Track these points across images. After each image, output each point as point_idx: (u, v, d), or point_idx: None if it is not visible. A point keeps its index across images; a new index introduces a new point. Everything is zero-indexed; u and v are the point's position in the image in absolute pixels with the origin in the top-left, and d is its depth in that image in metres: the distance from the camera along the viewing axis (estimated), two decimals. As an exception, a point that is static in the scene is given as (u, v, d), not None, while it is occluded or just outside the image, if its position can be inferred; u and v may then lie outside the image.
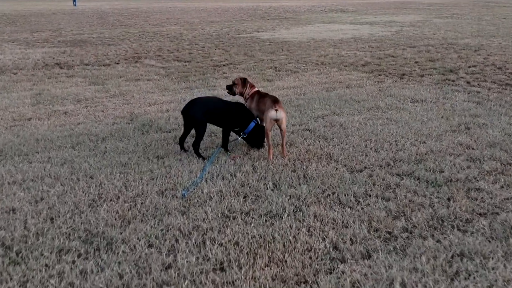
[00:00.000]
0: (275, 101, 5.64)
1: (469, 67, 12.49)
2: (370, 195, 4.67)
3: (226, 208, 4.42)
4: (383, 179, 5.05)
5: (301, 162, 5.60)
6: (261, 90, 6.53)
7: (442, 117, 7.54)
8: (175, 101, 8.95)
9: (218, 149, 6.04)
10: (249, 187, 4.88)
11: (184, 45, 18.21)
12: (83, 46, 18.32)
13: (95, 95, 9.67)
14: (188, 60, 14.62)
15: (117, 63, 14.28)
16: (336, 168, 5.38)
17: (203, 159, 5.80)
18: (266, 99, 5.81)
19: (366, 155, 5.81)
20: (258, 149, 6.07)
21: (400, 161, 5.61)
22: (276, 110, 5.43)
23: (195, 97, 7.18)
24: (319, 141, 6.37)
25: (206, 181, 5.08)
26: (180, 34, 21.96)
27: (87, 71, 12.75)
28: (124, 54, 16.02)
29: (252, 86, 6.38)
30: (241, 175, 5.18)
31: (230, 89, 6.48)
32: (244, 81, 6.37)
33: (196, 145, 5.84)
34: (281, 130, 5.67)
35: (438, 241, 3.87)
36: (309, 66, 13.22)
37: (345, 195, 4.64)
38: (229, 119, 5.97)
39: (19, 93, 10.00)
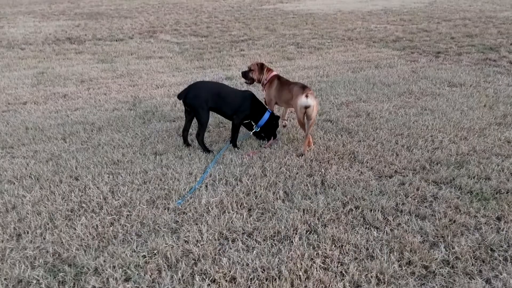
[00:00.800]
0: (304, 86, 4.96)
1: (511, 44, 11.26)
2: (401, 211, 3.84)
3: (226, 226, 3.66)
4: (418, 189, 4.19)
5: (319, 163, 4.77)
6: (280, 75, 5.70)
7: (484, 105, 6.55)
8: (185, 83, 8.15)
9: (227, 145, 5.26)
10: (256, 197, 4.10)
11: (203, 18, 17.31)
12: (98, 19, 17.61)
13: (100, 75, 8.95)
14: (205, 35, 13.76)
15: (131, 38, 13.54)
16: (361, 173, 4.54)
17: (209, 151, 5.05)
18: (292, 86, 5.12)
19: (397, 155, 4.93)
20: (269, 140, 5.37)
21: (437, 163, 4.72)
22: (307, 96, 4.78)
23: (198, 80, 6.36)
24: (341, 136, 5.51)
25: (206, 186, 4.31)
26: (200, 6, 21.02)
27: (98, 47, 12.05)
28: (140, 28, 15.25)
29: (270, 70, 5.63)
30: (248, 179, 4.40)
31: (246, 76, 5.71)
32: (261, 67, 5.61)
33: (199, 136, 5.09)
34: (309, 119, 4.92)
35: (487, 281, 3.04)
36: (334, 41, 12.20)
37: (371, 211, 3.82)
38: (237, 108, 5.20)
39: (22, 71, 9.36)
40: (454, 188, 4.22)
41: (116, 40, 13.19)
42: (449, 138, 5.35)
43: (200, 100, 5.00)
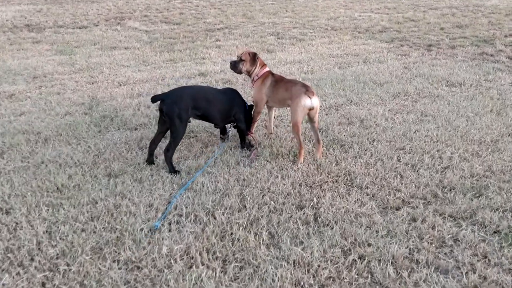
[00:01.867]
0: (305, 85, 4.36)
1: (505, 36, 10.58)
2: (417, 262, 3.03)
3: (193, 289, 2.76)
4: (433, 227, 3.38)
5: (310, 188, 3.92)
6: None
7: (491, 110, 5.78)
8: (151, 80, 7.16)
9: (202, 168, 4.37)
10: (233, 241, 3.23)
11: (175, 3, 16.21)
12: (63, 3, 16.33)
13: (56, 69, 7.88)
14: (178, 23, 12.72)
15: (96, 25, 12.42)
16: (361, 203, 3.71)
17: (176, 173, 4.15)
18: (291, 84, 4.45)
19: (401, 177, 4.11)
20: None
21: (450, 189, 3.92)
22: (310, 97, 4.26)
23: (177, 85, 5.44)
24: (333, 149, 4.66)
25: (169, 225, 3.41)
26: (173, -10, 19.77)
27: (58, 36, 10.91)
28: (106, 14, 14.09)
29: (264, 64, 4.84)
30: (223, 214, 3.52)
31: (235, 66, 4.83)
32: (254, 57, 4.76)
33: (168, 153, 4.19)
34: (312, 122, 4.46)
35: None
36: (317, 32, 11.31)
37: (379, 262, 2.99)
38: (230, 113, 4.62)
39: (-35, 65, 8.20)
40: (478, 226, 3.42)
41: (80, 28, 12.05)
42: (458, 154, 4.56)
43: (180, 109, 4.12)
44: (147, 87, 6.77)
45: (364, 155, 4.55)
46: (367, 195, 3.85)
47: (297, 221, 3.44)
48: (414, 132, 5.11)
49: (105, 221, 3.46)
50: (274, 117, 5.31)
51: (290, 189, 3.90)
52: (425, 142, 4.85)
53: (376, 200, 3.76)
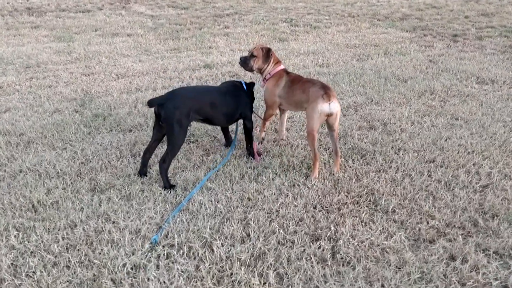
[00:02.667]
0: (325, 87, 3.67)
1: (537, 26, 9.77)
2: (460, 319, 2.40)
3: None
4: (476, 268, 2.78)
5: (326, 212, 3.31)
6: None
7: (530, 113, 5.09)
8: (152, 72, 6.56)
9: (212, 172, 3.83)
10: (233, 283, 2.65)
11: (184, -14, 15.43)
12: (67, -15, 15.64)
13: (52, 58, 7.30)
14: (185, 7, 12.05)
15: (100, 9, 11.81)
16: (388, 233, 3.10)
17: (171, 188, 3.59)
18: (308, 85, 3.80)
19: (434, 198, 3.50)
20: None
21: (493, 216, 3.32)
22: (330, 100, 3.60)
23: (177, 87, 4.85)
24: (353, 161, 4.04)
25: (158, 258, 2.84)
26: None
27: (59, 21, 10.32)
28: (112, -3, 13.43)
29: (278, 61, 4.22)
30: (222, 246, 2.94)
31: (245, 63, 4.22)
32: (267, 53, 4.14)
33: (165, 164, 3.61)
34: (331, 129, 3.80)
35: None
36: (333, 18, 10.59)
37: (413, 320, 2.37)
38: (230, 112, 4.00)
39: (-45, 52, 7.66)
40: (532, 269, 2.79)
41: (82, 12, 11.45)
42: (498, 169, 3.92)
43: (181, 114, 3.53)
44: (146, 80, 6.17)
45: (389, 169, 3.92)
46: (395, 222, 3.23)
47: (311, 258, 2.85)
48: (445, 140, 4.47)
49: (82, 252, 2.90)
50: (287, 120, 4.69)
51: (303, 213, 3.30)
52: (458, 153, 4.20)
53: (406, 230, 3.15)
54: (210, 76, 6.36)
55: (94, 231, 3.10)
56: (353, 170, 3.92)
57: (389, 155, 4.16)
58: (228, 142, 4.38)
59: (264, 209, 3.35)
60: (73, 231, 3.11)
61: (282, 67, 4.18)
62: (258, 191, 3.60)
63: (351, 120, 4.94)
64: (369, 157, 4.15)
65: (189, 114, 3.63)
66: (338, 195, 3.53)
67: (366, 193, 3.57)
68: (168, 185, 3.63)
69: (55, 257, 2.87)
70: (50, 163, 4.03)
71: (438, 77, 6.39)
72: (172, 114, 3.52)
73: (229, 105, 3.94)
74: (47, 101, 5.47)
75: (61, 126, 4.77)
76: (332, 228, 3.13)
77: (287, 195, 3.53)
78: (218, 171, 3.89)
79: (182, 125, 3.58)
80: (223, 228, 3.12)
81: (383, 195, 3.54)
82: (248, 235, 3.07)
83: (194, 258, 2.85)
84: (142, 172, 3.82)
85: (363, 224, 3.21)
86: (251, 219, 3.22)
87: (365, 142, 4.42)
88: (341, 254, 2.89)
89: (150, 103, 3.58)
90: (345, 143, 4.41)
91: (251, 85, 4.21)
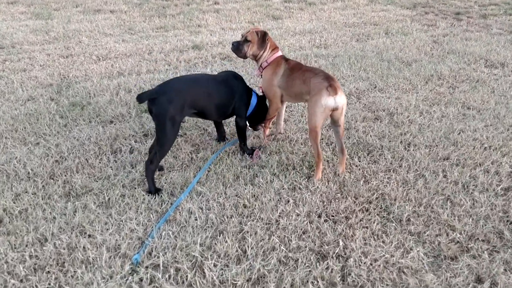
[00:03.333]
0: (328, 77, 3.22)
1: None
2: None
3: None
4: (509, 295, 2.39)
5: (333, 222, 2.92)
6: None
7: (547, 101, 4.70)
8: (136, 53, 6.04)
9: (202, 171, 3.40)
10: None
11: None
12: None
13: (28, 37, 6.73)
14: (173, -19, 11.35)
15: (82, -17, 11.03)
16: (404, 248, 2.72)
17: (156, 192, 3.17)
18: (310, 74, 3.35)
19: (452, 203, 3.12)
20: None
21: (521, 226, 2.91)
22: (335, 93, 3.16)
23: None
24: (359, 158, 3.63)
25: (141, 283, 2.43)
26: None
27: (37, -5, 9.62)
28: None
29: (275, 47, 3.73)
30: (214, 267, 2.53)
31: (238, 49, 3.71)
32: (263, 38, 3.65)
33: (152, 165, 3.19)
34: (336, 125, 3.37)
35: None
36: (329, -5, 10.03)
37: None
38: (230, 105, 3.55)
39: None
40: None
41: (63, -15, 10.71)
42: (521, 168, 3.52)
43: (174, 110, 3.10)
44: (130, 63, 5.67)
45: (399, 168, 3.52)
46: (411, 234, 2.85)
47: (318, 282, 2.45)
48: (459, 133, 4.07)
49: (52, 276, 2.47)
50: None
51: (306, 224, 2.90)
52: (474, 148, 3.81)
53: (424, 243, 2.77)
54: (200, 59, 5.86)
55: (67, 248, 2.68)
56: (360, 169, 3.51)
57: (398, 152, 3.75)
58: (221, 136, 3.94)
59: (262, 219, 2.94)
60: (43, 248, 2.68)
61: (280, 53, 3.72)
62: (254, 196, 3.18)
63: (354, 110, 4.51)
64: (377, 153, 3.74)
65: (183, 109, 3.19)
66: (345, 201, 3.13)
67: (376, 198, 3.18)
68: (154, 189, 3.20)
69: (21, 281, 2.45)
70: (21, 162, 3.57)
71: (444, 59, 5.96)
72: (165, 110, 3.07)
73: (223, 95, 3.48)
74: (21, 87, 4.96)
75: (35, 116, 4.29)
76: (341, 243, 2.73)
77: (288, 201, 3.12)
78: (209, 171, 3.46)
79: (175, 122, 3.14)
80: (216, 243, 2.71)
81: (395, 200, 3.15)
82: (245, 252, 2.67)
83: (183, 283, 2.45)
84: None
85: (375, 237, 2.82)
86: (247, 232, 2.81)
87: (371, 136, 4.01)
88: (352, 277, 2.50)
89: (140, 98, 3.10)
90: (349, 137, 3.99)
91: (263, 99, 3.77)
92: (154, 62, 5.71)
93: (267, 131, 3.95)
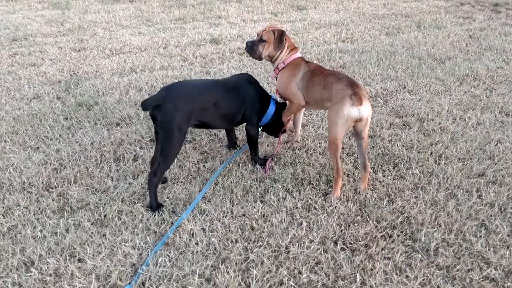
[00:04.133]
0: (353, 84, 2.84)
1: None
2: None
3: None
4: None
5: (351, 251, 2.58)
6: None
7: None
8: (151, 47, 5.77)
9: (208, 186, 3.11)
10: None
11: None
12: None
13: (42, 29, 6.54)
14: (196, -31, 11.01)
15: (104, -30, 10.81)
16: (431, 287, 2.35)
17: (158, 209, 2.92)
18: (331, 79, 2.99)
19: (487, 230, 2.75)
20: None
21: None
22: (360, 103, 2.78)
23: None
24: (383, 173, 3.27)
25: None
26: None
27: (57, -17, 9.42)
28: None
29: (294, 47, 3.36)
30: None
31: (253, 49, 3.36)
32: (280, 37, 3.28)
33: (155, 178, 2.91)
34: (359, 137, 3.00)
35: None
36: (358, -17, 9.52)
37: None
38: (241, 111, 3.22)
39: None
40: None
41: (84, -27, 10.51)
42: None
43: (182, 116, 2.81)
44: (144, 58, 5.39)
45: (428, 186, 3.15)
46: (439, 268, 2.49)
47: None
48: (496, 145, 3.65)
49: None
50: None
51: (320, 252, 2.57)
52: (513, 162, 3.39)
53: (454, 280, 2.41)
54: (217, 54, 5.54)
55: (54, 274, 2.43)
56: (383, 186, 3.15)
57: (428, 165, 3.37)
58: (232, 142, 3.62)
59: (270, 245, 2.62)
60: (28, 274, 2.43)
61: (298, 54, 3.36)
62: (264, 216, 2.86)
63: (380, 115, 4.13)
64: (404, 167, 3.36)
65: (191, 118, 2.88)
66: (366, 225, 2.78)
67: (401, 222, 2.82)
68: (155, 205, 2.93)
69: (-2, 314, 2.20)
70: (17, 169, 3.34)
71: (480, 57, 5.48)
72: (172, 117, 2.78)
73: (231, 105, 3.14)
74: (27, 84, 4.75)
75: (38, 117, 4.07)
76: (358, 278, 2.40)
77: (301, 224, 2.79)
78: (216, 184, 3.16)
79: (182, 130, 2.85)
80: (217, 275, 2.40)
81: (422, 225, 2.78)
82: (248, 286, 2.36)
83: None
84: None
85: (397, 270, 2.47)
86: (253, 261, 2.50)
87: (397, 146, 3.62)
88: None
89: (144, 106, 2.80)
90: (373, 147, 3.62)
91: (283, 106, 3.43)
92: (169, 58, 5.42)
93: (281, 138, 3.61)
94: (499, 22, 6.98)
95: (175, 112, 2.79)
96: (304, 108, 3.56)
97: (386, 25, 6.75)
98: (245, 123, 3.30)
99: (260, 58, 3.42)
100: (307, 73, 3.21)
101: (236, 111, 3.16)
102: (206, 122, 3.06)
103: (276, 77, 3.41)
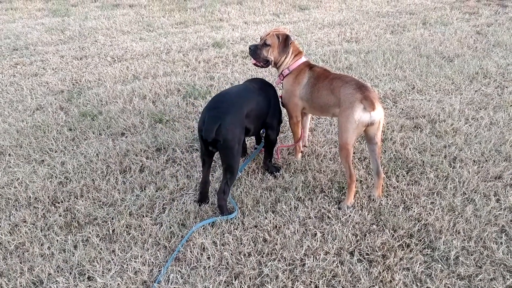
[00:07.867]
0: (361, 87, 2.74)
1: None
2: None
3: None
4: None
5: (368, 262, 2.50)
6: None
7: None
8: (154, 53, 5.69)
9: (196, 225, 3.02)
10: None
11: None
12: None
13: (43, 37, 6.47)
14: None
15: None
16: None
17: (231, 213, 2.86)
18: (339, 83, 2.91)
19: (507, 236, 2.69)
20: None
21: None
22: (372, 107, 2.71)
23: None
24: (397, 178, 3.19)
25: None
26: None
27: (56, -10, 9.36)
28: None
29: (299, 52, 3.28)
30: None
31: (256, 53, 3.28)
32: (285, 41, 3.19)
33: (225, 195, 2.87)
34: (371, 142, 2.91)
35: None
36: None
37: None
38: (262, 118, 3.16)
39: None
40: None
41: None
42: None
43: (238, 130, 2.80)
44: (146, 65, 5.32)
45: (444, 190, 3.05)
46: (460, 278, 2.40)
47: None
48: (511, 146, 3.54)
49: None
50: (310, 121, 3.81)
51: (336, 264, 2.48)
52: (531, 164, 3.29)
53: (477, 295, 2.31)
54: (220, 58, 5.46)
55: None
56: (398, 193, 3.06)
57: (442, 169, 3.28)
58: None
59: (284, 258, 2.54)
60: (36, 294, 2.35)
61: (303, 59, 3.27)
62: (276, 227, 2.78)
63: (391, 117, 4.04)
64: (418, 171, 3.27)
65: (244, 126, 2.84)
66: (382, 234, 2.69)
67: (419, 230, 2.73)
68: (225, 210, 2.88)
69: (7, 338, 2.12)
70: (22, 184, 3.27)
71: (489, 54, 5.38)
72: (233, 134, 2.73)
73: (263, 108, 3.09)
74: (30, 95, 4.68)
75: (41, 129, 3.99)
76: (376, 294, 2.30)
77: (315, 235, 2.71)
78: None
79: (240, 142, 2.84)
80: (228, 293, 2.32)
81: (440, 233, 2.69)
82: (263, 303, 2.27)
83: None
84: (202, 200, 3.00)
85: (417, 282, 2.38)
86: (267, 276, 2.41)
87: (410, 149, 3.54)
88: None
89: (208, 135, 2.67)
90: (385, 151, 3.53)
91: None
92: (171, 63, 5.34)
93: (299, 155, 3.53)
94: (507, 16, 6.87)
95: (234, 128, 2.75)
96: (306, 115, 3.49)
97: (391, 23, 6.66)
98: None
99: (266, 64, 3.33)
100: (312, 79, 3.14)
101: (265, 112, 3.10)
102: (249, 128, 2.98)
103: (281, 83, 3.33)
